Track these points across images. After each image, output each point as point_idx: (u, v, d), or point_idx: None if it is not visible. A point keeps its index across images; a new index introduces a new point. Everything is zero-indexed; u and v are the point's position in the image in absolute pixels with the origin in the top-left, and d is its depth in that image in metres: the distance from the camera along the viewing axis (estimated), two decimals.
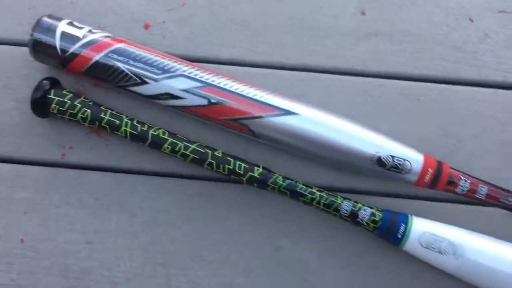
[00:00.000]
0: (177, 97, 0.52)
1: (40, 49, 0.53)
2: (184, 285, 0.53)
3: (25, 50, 0.55)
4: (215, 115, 0.53)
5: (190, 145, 0.52)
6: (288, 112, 0.52)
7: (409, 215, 0.52)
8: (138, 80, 0.52)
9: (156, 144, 0.53)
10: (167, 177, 0.55)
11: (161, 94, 0.52)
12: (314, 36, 0.60)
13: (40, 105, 0.53)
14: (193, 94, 0.52)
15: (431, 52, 0.59)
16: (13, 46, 0.58)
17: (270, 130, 0.52)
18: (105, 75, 0.53)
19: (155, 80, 0.52)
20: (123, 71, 0.52)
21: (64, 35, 0.52)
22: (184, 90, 0.52)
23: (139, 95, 0.53)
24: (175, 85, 0.52)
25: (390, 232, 0.51)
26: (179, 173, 0.56)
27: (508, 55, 0.59)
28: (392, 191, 0.56)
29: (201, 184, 0.55)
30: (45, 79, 0.54)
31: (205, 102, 0.52)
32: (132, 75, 0.52)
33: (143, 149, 0.54)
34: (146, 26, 0.60)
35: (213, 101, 0.52)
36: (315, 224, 0.54)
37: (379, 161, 0.51)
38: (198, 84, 0.52)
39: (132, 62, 0.52)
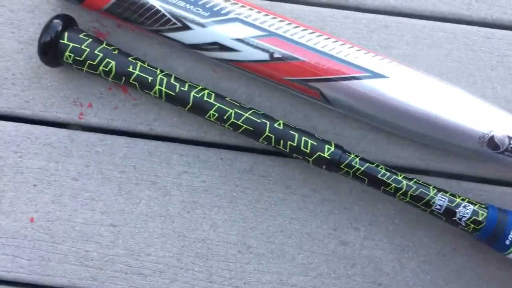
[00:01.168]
0: (229, 49, 0.40)
1: None
2: (228, 281, 0.43)
3: None
4: (278, 74, 0.40)
5: (243, 113, 0.40)
6: (374, 75, 0.40)
7: None
8: (179, 24, 0.39)
9: (199, 110, 0.41)
10: (210, 148, 0.44)
11: (208, 44, 0.40)
12: None
13: (50, 52, 0.41)
14: (251, 45, 0.39)
15: None
16: None
17: (350, 96, 0.40)
18: (134, 15, 0.40)
19: (201, 25, 0.39)
20: (159, 11, 0.39)
21: None
22: (240, 40, 0.39)
23: (179, 43, 0.40)
24: (228, 32, 0.39)
25: (495, 237, 0.40)
26: (225, 143, 0.44)
27: None
28: (502, 178, 0.44)
29: (252, 158, 0.44)
30: (56, 17, 0.41)
31: (266, 56, 0.39)
32: (170, 17, 0.39)
33: (179, 111, 0.43)
34: None
35: (276, 55, 0.40)
36: (393, 215, 0.43)
37: (491, 142, 0.39)
38: (258, 32, 0.40)
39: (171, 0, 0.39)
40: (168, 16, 0.39)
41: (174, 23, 0.39)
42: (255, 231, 0.44)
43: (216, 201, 0.44)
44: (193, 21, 0.39)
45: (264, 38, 0.39)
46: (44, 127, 0.44)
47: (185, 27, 0.39)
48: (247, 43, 0.39)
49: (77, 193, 0.43)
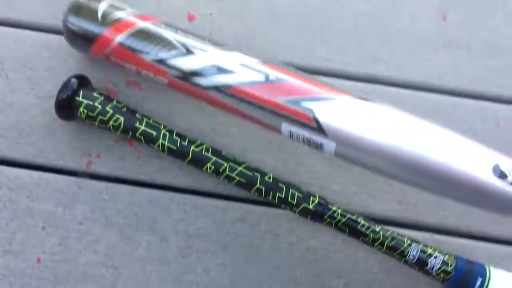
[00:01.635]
0: (226, 71, 0.43)
1: (79, 12, 0.45)
2: None
3: (52, 37, 0.47)
4: (272, 96, 0.42)
5: (237, 167, 0.45)
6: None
7: (487, 266, 0.44)
8: (183, 50, 0.43)
9: (198, 162, 0.45)
10: (206, 197, 0.48)
11: (208, 68, 0.43)
12: (383, 40, 0.51)
13: (66, 108, 0.45)
14: (248, 67, 0.43)
15: None
16: (39, 32, 0.51)
17: (344, 121, 0.40)
18: (145, 44, 0.44)
19: (204, 50, 0.44)
20: (167, 38, 0.43)
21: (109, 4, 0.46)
22: (238, 64, 0.43)
23: (179, 73, 0.43)
24: (227, 57, 0.43)
25: (463, 286, 0.43)
26: (220, 193, 0.48)
27: None
28: (471, 232, 0.48)
29: (244, 207, 0.48)
30: (73, 76, 0.46)
31: (262, 78, 0.42)
32: (176, 43, 0.43)
33: (179, 164, 0.47)
34: (190, 18, 0.51)
35: (271, 78, 0.42)
36: (372, 264, 0.47)
37: (497, 171, 0.36)
38: (254, 59, 0.43)
39: (180, 32, 0.44)
40: (175, 42, 0.43)
41: (180, 49, 0.43)
42: (245, 276, 0.47)
43: (209, 247, 0.47)
44: (197, 48, 0.43)
45: (260, 63, 0.43)
46: (55, 174, 0.48)
47: (189, 52, 0.43)
48: (245, 66, 0.43)
49: (82, 236, 0.47)
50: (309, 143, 0.42)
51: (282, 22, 0.51)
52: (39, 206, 0.47)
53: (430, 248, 0.44)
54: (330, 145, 0.40)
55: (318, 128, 0.40)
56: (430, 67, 0.51)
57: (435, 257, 0.44)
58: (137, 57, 0.44)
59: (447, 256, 0.44)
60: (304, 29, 0.52)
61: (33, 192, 0.48)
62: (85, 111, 0.45)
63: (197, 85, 0.43)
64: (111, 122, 0.45)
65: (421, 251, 0.44)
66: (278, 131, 0.43)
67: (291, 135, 0.42)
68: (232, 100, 0.43)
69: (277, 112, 0.41)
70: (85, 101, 0.45)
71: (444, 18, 0.52)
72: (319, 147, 0.41)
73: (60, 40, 0.49)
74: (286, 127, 0.42)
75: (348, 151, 0.40)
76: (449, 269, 0.43)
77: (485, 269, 0.44)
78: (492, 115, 0.50)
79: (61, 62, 0.50)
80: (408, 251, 0.44)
